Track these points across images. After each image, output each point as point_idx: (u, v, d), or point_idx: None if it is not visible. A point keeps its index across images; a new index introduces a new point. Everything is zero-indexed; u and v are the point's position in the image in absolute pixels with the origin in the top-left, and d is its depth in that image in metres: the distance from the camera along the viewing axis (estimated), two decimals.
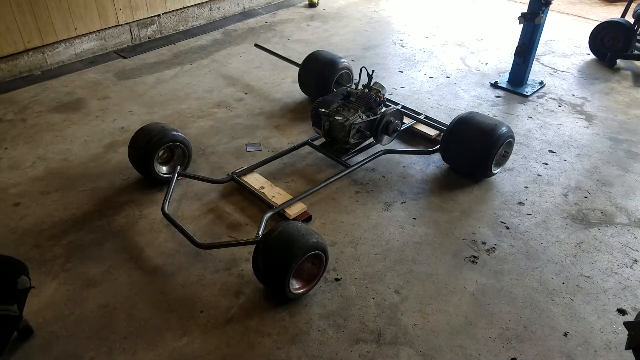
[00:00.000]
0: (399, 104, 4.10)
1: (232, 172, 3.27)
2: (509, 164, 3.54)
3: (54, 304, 2.49)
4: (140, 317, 2.44)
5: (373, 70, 3.60)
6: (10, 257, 1.85)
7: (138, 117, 4.10)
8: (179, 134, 3.23)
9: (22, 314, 1.73)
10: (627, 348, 1.55)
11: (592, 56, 5.16)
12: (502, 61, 5.09)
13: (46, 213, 3.07)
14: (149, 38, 5.58)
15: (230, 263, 2.75)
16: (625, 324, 1.54)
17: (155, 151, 3.12)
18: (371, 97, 3.40)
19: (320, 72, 4.12)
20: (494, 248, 2.89)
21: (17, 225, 2.98)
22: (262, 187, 3.16)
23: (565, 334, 2.40)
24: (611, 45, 4.96)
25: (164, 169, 3.28)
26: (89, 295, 2.55)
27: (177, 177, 3.12)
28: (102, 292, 2.56)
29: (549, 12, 4.65)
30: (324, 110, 3.34)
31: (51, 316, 2.43)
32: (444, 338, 2.38)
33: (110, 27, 5.20)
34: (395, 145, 3.73)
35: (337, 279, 2.67)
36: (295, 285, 2.51)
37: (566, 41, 5.56)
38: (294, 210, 3.01)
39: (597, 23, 5.10)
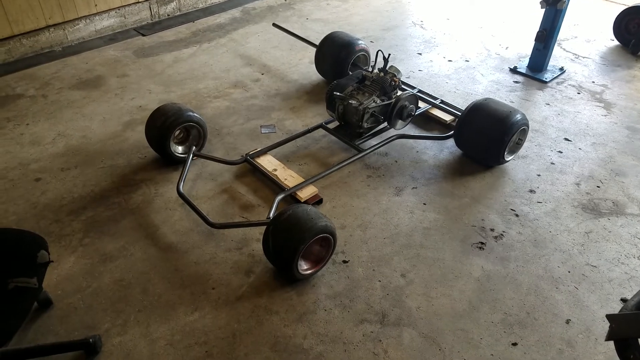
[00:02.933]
0: (415, 87, 4.10)
1: (246, 154, 3.33)
2: (522, 151, 3.53)
3: (72, 277, 2.61)
4: (154, 291, 2.54)
5: (389, 54, 3.59)
6: (31, 232, 1.95)
7: (156, 95, 4.17)
8: (195, 114, 3.29)
9: (41, 287, 1.83)
10: (607, 339, 1.58)
11: (615, 42, 5.04)
12: (523, 45, 5.01)
13: (66, 189, 3.18)
14: (168, 15, 5.61)
15: (242, 242, 2.82)
16: (608, 316, 1.57)
17: (171, 131, 3.19)
18: (386, 81, 3.40)
19: (337, 54, 4.11)
20: (502, 235, 2.91)
21: (38, 200, 3.09)
22: (275, 170, 3.22)
23: (567, 322, 2.44)
24: (636, 31, 4.83)
25: (180, 148, 3.35)
26: (105, 269, 2.66)
27: (193, 157, 3.19)
28: (118, 267, 2.67)
29: None
30: (338, 93, 3.36)
31: (69, 288, 2.54)
32: (447, 321, 2.43)
33: (130, 4, 5.24)
34: (410, 129, 3.74)
35: (345, 261, 2.73)
36: (304, 266, 2.58)
37: (591, 26, 5.44)
38: (305, 193, 3.06)
39: (624, 7, 4.96)
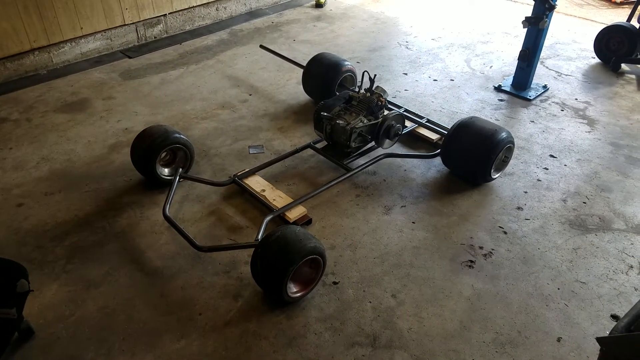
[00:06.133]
0: (401, 107, 4.13)
1: (233, 175, 3.30)
2: (509, 168, 3.55)
3: (54, 305, 2.54)
4: (140, 319, 2.48)
5: (375, 74, 3.62)
6: (10, 261, 1.90)
7: (142, 117, 4.14)
8: (181, 136, 3.27)
9: (21, 317, 1.78)
10: None
11: (597, 60, 5.14)
12: (507, 64, 5.09)
13: (49, 214, 3.13)
14: (154, 38, 5.62)
15: (230, 266, 2.78)
16: (598, 339, 1.55)
17: (157, 153, 3.16)
18: (373, 101, 3.42)
19: (324, 75, 4.14)
20: (491, 253, 2.90)
21: (20, 226, 3.03)
22: (263, 190, 3.20)
23: (559, 340, 2.42)
24: (616, 49, 4.93)
25: (166, 171, 3.32)
26: (89, 296, 2.60)
27: (179, 179, 3.16)
28: (103, 294, 2.61)
29: (556, 14, 4.66)
30: (325, 114, 3.37)
31: (52, 317, 2.48)
32: (439, 342, 2.40)
33: (116, 27, 5.25)
34: (397, 148, 3.75)
35: (335, 283, 2.70)
36: (293, 289, 2.54)
37: (572, 44, 5.54)
38: (294, 214, 3.03)
39: (604, 26, 5.07)
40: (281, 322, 2.48)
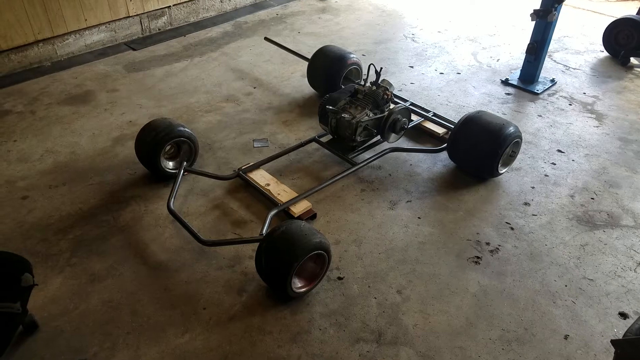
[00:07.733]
0: (407, 100, 4.09)
1: (238, 169, 3.28)
2: (516, 163, 3.51)
3: (59, 298, 2.54)
4: (144, 313, 2.48)
5: (381, 68, 3.58)
6: (15, 254, 1.89)
7: (146, 110, 4.12)
8: (186, 129, 3.25)
9: (26, 311, 1.77)
10: None
11: (605, 53, 5.07)
12: (514, 57, 5.03)
13: (53, 207, 3.12)
14: (159, 30, 5.59)
15: (234, 260, 2.77)
16: (613, 341, 1.52)
17: (161, 147, 3.15)
18: (378, 94, 3.38)
19: (329, 68, 4.10)
20: (498, 249, 2.88)
21: (24, 218, 3.02)
22: (268, 184, 3.18)
23: (566, 337, 2.40)
24: (625, 42, 4.87)
25: (171, 164, 3.30)
26: (93, 290, 2.59)
27: (184, 172, 3.15)
28: (107, 288, 2.60)
29: (564, 7, 4.61)
30: (330, 107, 3.34)
31: (56, 311, 2.47)
32: (444, 339, 2.39)
33: (120, 19, 5.22)
34: (403, 142, 3.72)
35: (340, 278, 2.68)
36: (298, 284, 2.52)
37: (580, 37, 5.48)
38: (298, 208, 3.01)
39: (613, 19, 5.01)
40: (285, 317, 2.47)
